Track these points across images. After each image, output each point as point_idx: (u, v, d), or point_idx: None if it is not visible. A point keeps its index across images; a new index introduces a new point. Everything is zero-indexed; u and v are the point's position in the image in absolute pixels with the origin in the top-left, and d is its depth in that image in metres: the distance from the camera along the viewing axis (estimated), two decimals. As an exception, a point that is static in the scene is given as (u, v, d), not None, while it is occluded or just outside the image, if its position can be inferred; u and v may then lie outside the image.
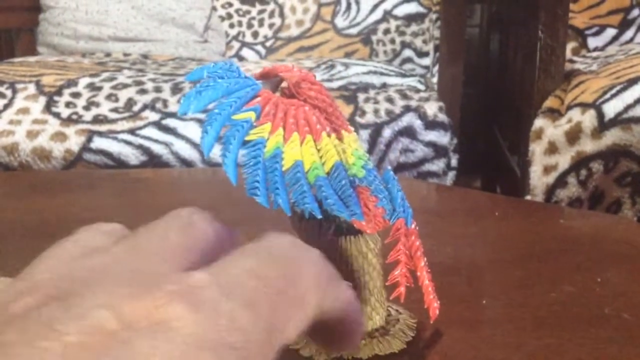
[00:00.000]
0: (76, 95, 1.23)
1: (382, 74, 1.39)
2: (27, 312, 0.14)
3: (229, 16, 1.79)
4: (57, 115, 1.18)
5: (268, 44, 1.78)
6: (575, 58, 1.46)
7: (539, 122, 1.13)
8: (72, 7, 1.68)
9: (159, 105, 1.19)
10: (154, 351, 0.13)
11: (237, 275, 0.16)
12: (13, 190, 0.74)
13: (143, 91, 1.23)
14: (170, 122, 1.16)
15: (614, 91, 1.03)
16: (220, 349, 0.14)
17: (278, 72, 0.31)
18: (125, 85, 1.25)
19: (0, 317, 0.14)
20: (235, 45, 1.79)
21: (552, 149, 1.09)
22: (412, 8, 1.74)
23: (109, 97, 1.22)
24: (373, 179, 0.32)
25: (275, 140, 0.28)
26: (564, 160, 1.06)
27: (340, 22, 1.76)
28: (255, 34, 1.78)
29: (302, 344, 0.35)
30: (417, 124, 1.19)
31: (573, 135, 1.05)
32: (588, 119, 1.03)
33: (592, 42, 1.56)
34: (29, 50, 1.74)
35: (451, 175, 1.24)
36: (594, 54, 1.50)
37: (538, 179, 1.10)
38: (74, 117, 1.17)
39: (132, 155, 1.12)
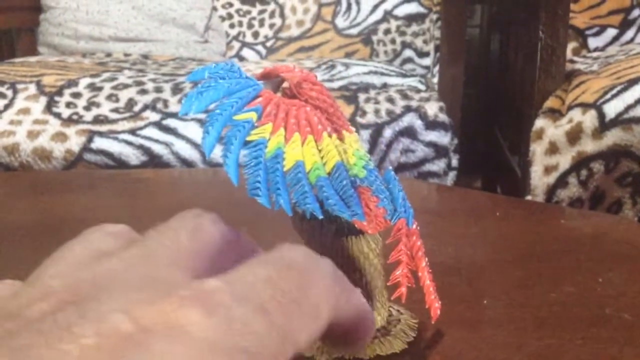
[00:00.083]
0: (77, 95, 1.23)
1: (382, 74, 1.39)
2: (43, 317, 0.14)
3: (230, 16, 1.79)
4: (57, 115, 1.18)
5: (268, 44, 1.78)
6: (575, 58, 1.46)
7: (539, 122, 1.13)
8: (73, 7, 1.68)
9: (159, 105, 1.19)
10: (169, 354, 0.14)
11: (251, 283, 0.16)
12: (14, 190, 0.75)
13: (144, 91, 1.23)
14: (171, 122, 1.16)
15: (614, 91, 1.03)
16: (234, 353, 0.14)
17: (279, 73, 0.31)
18: (126, 86, 1.25)
19: (17, 322, 0.14)
20: (236, 45, 1.79)
21: (553, 149, 1.09)
22: (412, 8, 1.74)
23: (109, 97, 1.22)
24: (374, 179, 0.32)
25: (277, 141, 0.28)
26: (564, 161, 1.06)
27: (340, 22, 1.76)
28: (255, 34, 1.78)
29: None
30: (418, 124, 1.19)
31: (574, 136, 1.05)
32: (589, 119, 1.03)
33: (593, 42, 1.56)
34: (29, 51, 1.74)
35: (452, 175, 1.24)
36: (595, 54, 1.50)
37: (539, 179, 1.10)
38: (75, 117, 1.17)
39: (132, 156, 1.12)
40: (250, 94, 0.28)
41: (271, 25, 1.78)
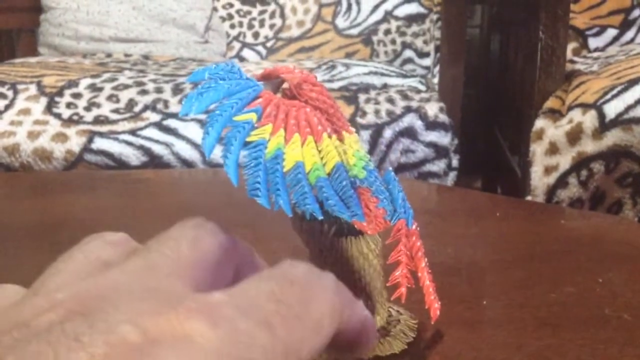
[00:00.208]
0: (77, 96, 1.23)
1: (382, 74, 1.39)
2: (51, 327, 0.14)
3: (230, 17, 1.79)
4: (58, 116, 1.18)
5: (269, 44, 1.78)
6: (575, 58, 1.46)
7: (539, 123, 1.13)
8: (73, 7, 1.68)
9: (159, 105, 1.19)
10: None
11: (255, 298, 0.17)
12: (14, 191, 0.75)
13: (144, 92, 1.23)
14: (171, 122, 1.16)
15: (614, 92, 1.03)
16: None
17: (279, 74, 0.31)
18: (126, 86, 1.26)
19: (26, 332, 0.14)
20: (236, 45, 1.79)
21: (553, 149, 1.09)
22: (412, 8, 1.74)
23: (109, 97, 1.22)
24: (374, 180, 0.32)
25: (277, 142, 0.28)
26: (564, 161, 1.06)
27: (341, 22, 1.76)
28: (256, 35, 1.78)
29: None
30: (418, 124, 1.19)
31: (574, 136, 1.05)
32: (589, 120, 1.03)
33: (593, 42, 1.56)
34: (29, 51, 1.74)
35: (452, 175, 1.24)
36: (595, 54, 1.50)
37: (539, 180, 1.10)
38: (75, 117, 1.17)
39: (133, 156, 1.12)
40: (250, 95, 0.28)
41: (271, 26, 1.78)
